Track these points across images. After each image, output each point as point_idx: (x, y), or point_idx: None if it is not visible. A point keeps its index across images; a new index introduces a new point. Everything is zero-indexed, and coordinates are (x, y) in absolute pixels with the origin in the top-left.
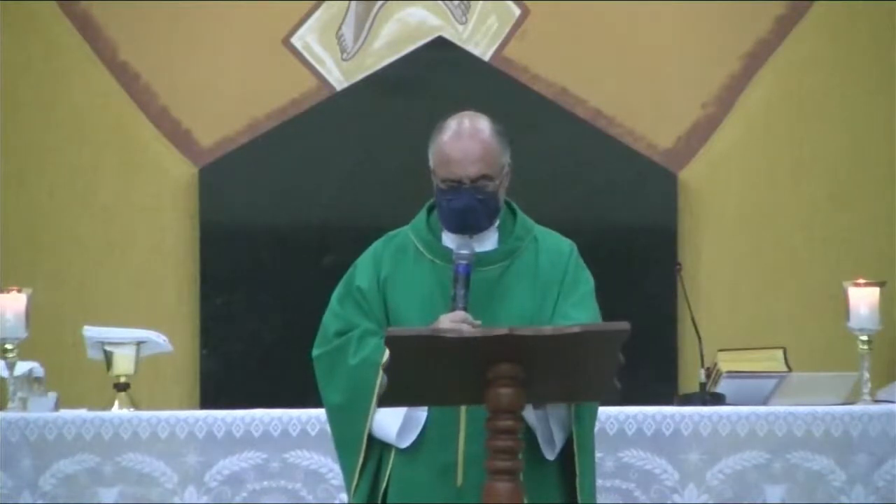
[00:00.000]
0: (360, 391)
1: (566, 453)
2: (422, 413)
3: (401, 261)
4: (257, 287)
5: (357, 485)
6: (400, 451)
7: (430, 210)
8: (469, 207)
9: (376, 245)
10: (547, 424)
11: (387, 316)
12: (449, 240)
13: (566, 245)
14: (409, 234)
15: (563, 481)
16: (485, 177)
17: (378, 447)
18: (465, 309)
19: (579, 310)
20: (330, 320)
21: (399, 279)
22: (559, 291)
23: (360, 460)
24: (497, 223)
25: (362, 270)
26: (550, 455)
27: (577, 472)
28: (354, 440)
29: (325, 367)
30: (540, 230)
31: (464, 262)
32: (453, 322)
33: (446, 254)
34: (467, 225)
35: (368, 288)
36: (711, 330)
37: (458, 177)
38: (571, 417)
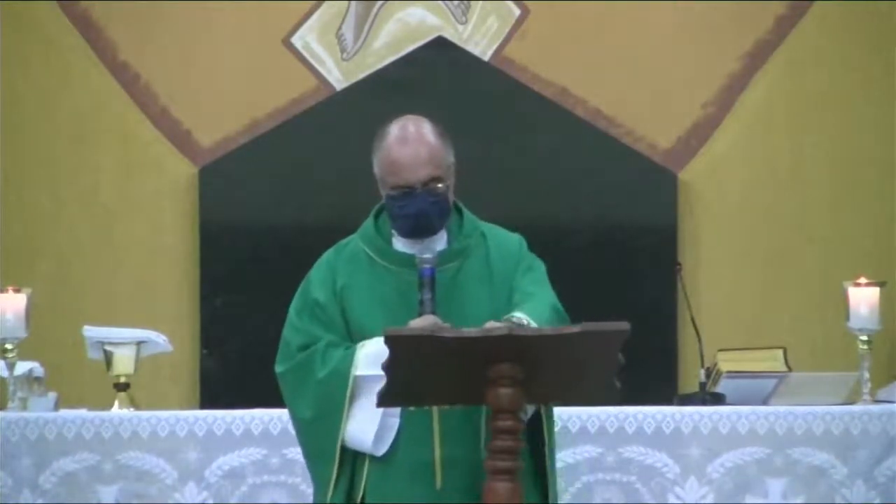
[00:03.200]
0: (331, 403)
1: (536, 455)
2: (395, 419)
3: (355, 270)
4: (257, 287)
5: (332, 495)
6: (374, 458)
7: (376, 216)
8: (422, 212)
9: (328, 255)
10: None
11: (347, 326)
12: (400, 244)
13: (515, 239)
14: (359, 242)
15: (535, 482)
16: (435, 178)
17: (350, 456)
18: (433, 312)
19: (537, 286)
20: (291, 335)
21: (356, 288)
22: (513, 278)
23: (335, 471)
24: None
25: (317, 283)
26: (523, 417)
27: (548, 472)
28: (328, 452)
29: (292, 382)
30: (486, 227)
31: (428, 265)
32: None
33: (400, 259)
34: (422, 229)
35: (326, 300)
36: (711, 330)
37: (410, 182)
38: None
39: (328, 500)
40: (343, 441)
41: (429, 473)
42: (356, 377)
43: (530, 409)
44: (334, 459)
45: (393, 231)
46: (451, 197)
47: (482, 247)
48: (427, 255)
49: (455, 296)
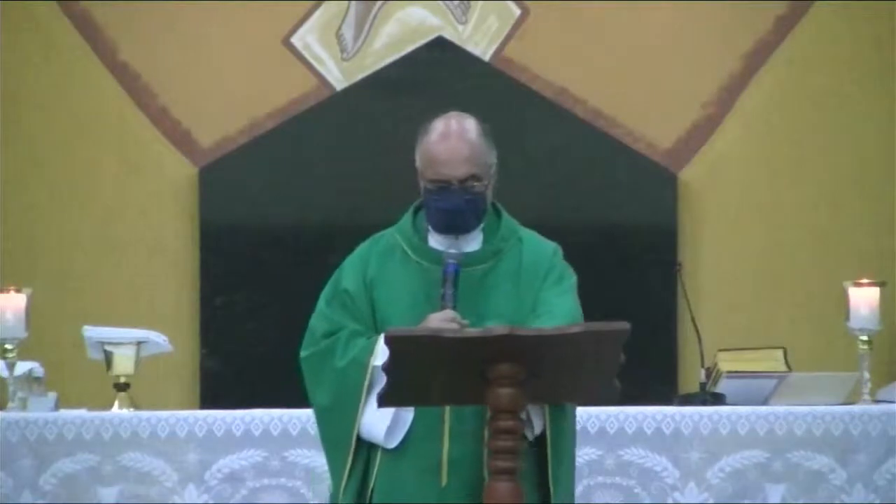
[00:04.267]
0: (348, 392)
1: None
2: (409, 413)
3: (387, 262)
4: (257, 287)
5: (345, 485)
6: (386, 451)
7: (415, 211)
8: (457, 208)
9: (362, 247)
10: (525, 408)
11: (374, 317)
12: (434, 241)
13: (550, 247)
14: (395, 235)
15: (539, 478)
16: (473, 177)
17: (366, 447)
18: (453, 308)
19: (561, 298)
20: (317, 322)
21: (385, 280)
22: (541, 287)
23: (349, 461)
24: (482, 224)
25: (349, 272)
26: (530, 435)
27: (550, 465)
28: (343, 441)
29: (312, 368)
30: (525, 232)
31: (452, 261)
32: (442, 321)
33: (432, 255)
34: (455, 225)
35: (355, 290)
36: (711, 330)
37: (447, 177)
38: (546, 410)
39: (342, 489)
40: (358, 431)
41: (436, 470)
42: (374, 367)
43: (538, 427)
44: (349, 448)
45: (429, 227)
46: (490, 197)
47: (516, 251)
48: (452, 251)
49: (481, 296)
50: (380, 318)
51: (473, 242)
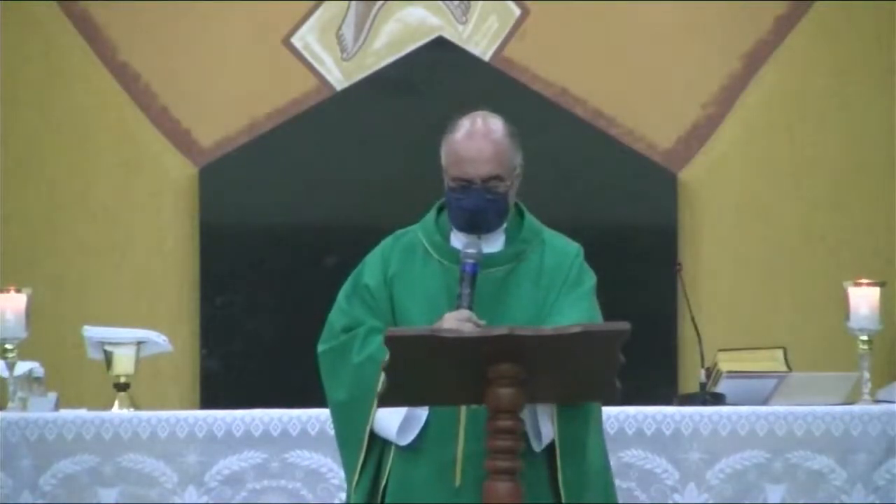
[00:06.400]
0: (362, 388)
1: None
2: (423, 411)
3: (408, 259)
4: (257, 287)
5: (358, 481)
6: (400, 449)
7: (439, 210)
8: (479, 208)
9: (385, 243)
10: (535, 416)
11: (393, 314)
12: (457, 240)
13: (573, 248)
14: (417, 233)
15: (553, 477)
16: (496, 177)
17: (380, 444)
18: (470, 308)
19: (576, 306)
20: (336, 316)
21: (406, 278)
22: (560, 291)
23: (362, 457)
24: (505, 224)
25: (370, 268)
26: (537, 447)
27: (560, 469)
28: (356, 437)
29: (329, 363)
30: (548, 233)
31: (471, 261)
32: (458, 321)
33: (454, 254)
34: (477, 224)
35: (375, 286)
36: (711, 330)
37: (470, 176)
38: (554, 413)
39: (354, 485)
40: (372, 427)
41: (450, 469)
42: None
43: (545, 440)
44: (362, 444)
45: (452, 227)
46: (513, 198)
47: (538, 252)
48: (471, 251)
49: (501, 297)
50: (399, 316)
51: (496, 243)
